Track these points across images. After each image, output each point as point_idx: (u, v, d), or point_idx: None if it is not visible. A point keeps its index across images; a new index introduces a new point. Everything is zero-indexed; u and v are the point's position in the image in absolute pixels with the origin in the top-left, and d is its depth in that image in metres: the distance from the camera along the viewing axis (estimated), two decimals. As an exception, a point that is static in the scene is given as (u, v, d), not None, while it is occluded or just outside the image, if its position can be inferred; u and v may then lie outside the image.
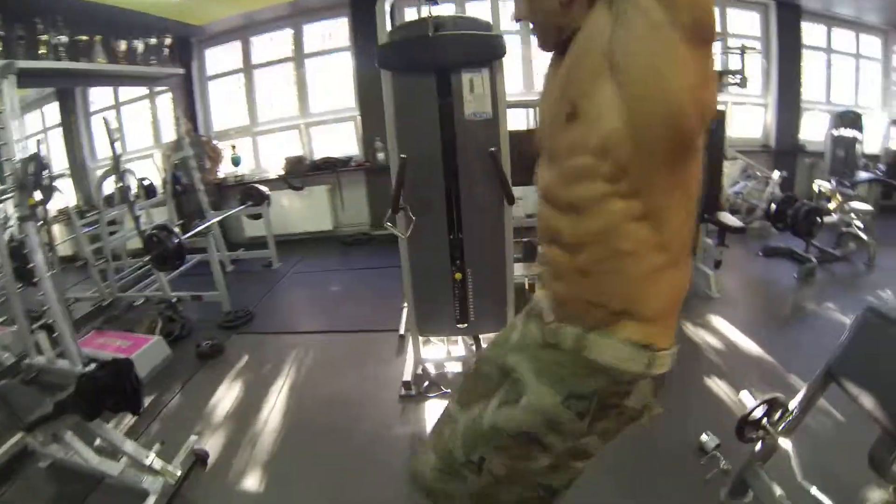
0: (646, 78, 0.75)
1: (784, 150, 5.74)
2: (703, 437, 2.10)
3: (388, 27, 2.33)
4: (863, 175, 4.79)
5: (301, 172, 5.67)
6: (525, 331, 1.09)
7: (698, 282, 3.78)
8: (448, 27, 2.19)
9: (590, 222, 0.86)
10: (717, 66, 4.20)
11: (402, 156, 2.32)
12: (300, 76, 5.87)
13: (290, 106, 5.99)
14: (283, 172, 5.69)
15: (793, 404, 1.57)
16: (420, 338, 2.79)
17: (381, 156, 5.52)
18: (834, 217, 4.49)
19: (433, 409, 2.58)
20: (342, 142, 5.96)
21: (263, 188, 5.03)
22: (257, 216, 5.13)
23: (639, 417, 0.96)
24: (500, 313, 2.63)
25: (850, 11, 5.76)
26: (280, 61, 5.88)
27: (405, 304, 3.21)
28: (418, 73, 2.28)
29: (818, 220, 3.94)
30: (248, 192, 5.02)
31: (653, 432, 1.30)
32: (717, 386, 2.61)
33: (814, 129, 5.70)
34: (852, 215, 4.43)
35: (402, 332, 3.35)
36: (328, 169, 5.78)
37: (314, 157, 5.98)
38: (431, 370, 2.91)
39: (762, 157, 5.61)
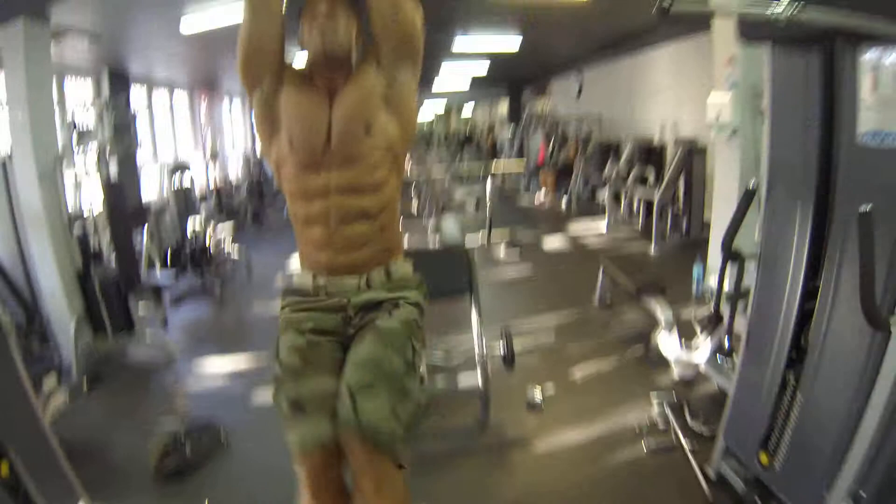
0: (410, 114, 1.35)
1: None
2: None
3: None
4: (203, 209, 5.92)
5: None
6: (371, 289, 1.36)
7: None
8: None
9: (384, 195, 1.31)
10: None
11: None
12: None
13: None
14: None
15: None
16: None
17: None
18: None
19: None
20: None
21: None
22: None
23: None
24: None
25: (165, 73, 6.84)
26: None
27: None
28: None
29: (208, 251, 4.96)
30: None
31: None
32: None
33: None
34: (222, 240, 5.38)
35: None
36: None
37: None
38: None
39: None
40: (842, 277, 1.49)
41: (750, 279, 1.88)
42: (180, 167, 5.94)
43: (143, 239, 4.72)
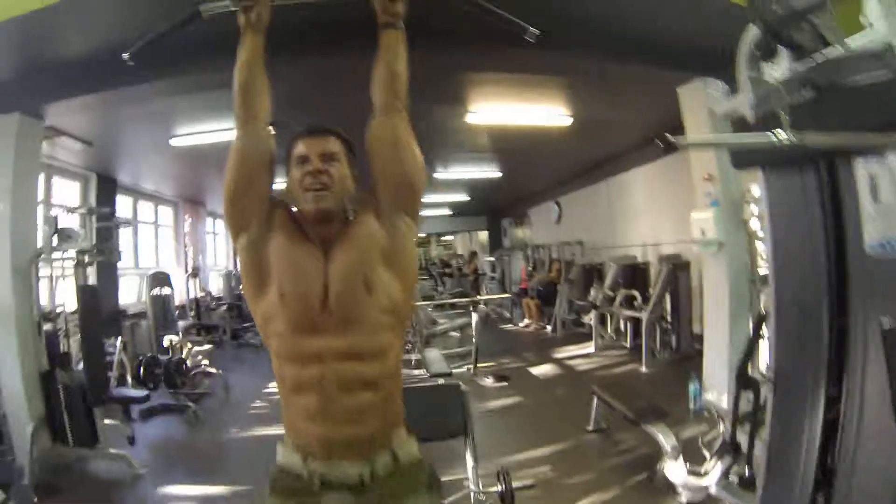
0: (410, 263, 1.23)
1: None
2: None
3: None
4: (181, 323, 6.10)
5: None
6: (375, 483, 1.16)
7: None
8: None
9: (388, 362, 1.16)
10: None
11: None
12: None
13: None
14: None
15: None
16: None
17: None
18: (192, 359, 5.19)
19: None
20: None
21: None
22: None
23: None
24: None
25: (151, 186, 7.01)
26: None
27: None
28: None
29: (184, 367, 4.75)
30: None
31: None
32: None
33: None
34: (199, 357, 5.27)
35: None
36: None
37: None
38: None
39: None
40: (866, 390, 1.44)
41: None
42: (161, 277, 5.87)
43: (116, 348, 4.50)
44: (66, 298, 3.79)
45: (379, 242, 1.16)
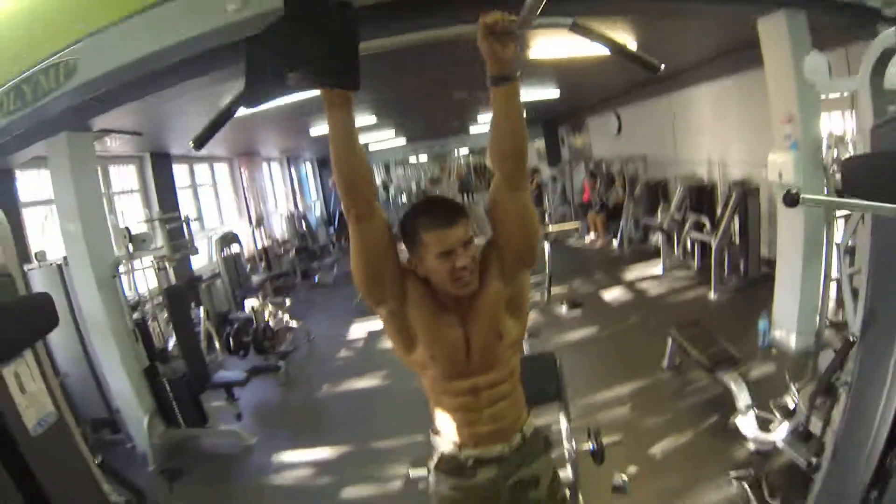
0: (526, 304, 1.42)
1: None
2: None
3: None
4: (254, 278, 6.32)
5: None
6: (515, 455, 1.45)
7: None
8: None
9: (515, 374, 1.41)
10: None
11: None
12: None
13: None
14: None
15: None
16: None
17: None
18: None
19: None
20: None
21: None
22: None
23: None
24: None
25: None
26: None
27: None
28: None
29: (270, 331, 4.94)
30: None
31: None
32: None
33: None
34: (279, 314, 5.33)
35: None
36: None
37: None
38: None
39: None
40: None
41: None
42: (229, 237, 6.05)
43: (200, 318, 4.74)
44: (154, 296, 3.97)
45: (504, 299, 1.32)
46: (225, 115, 1.18)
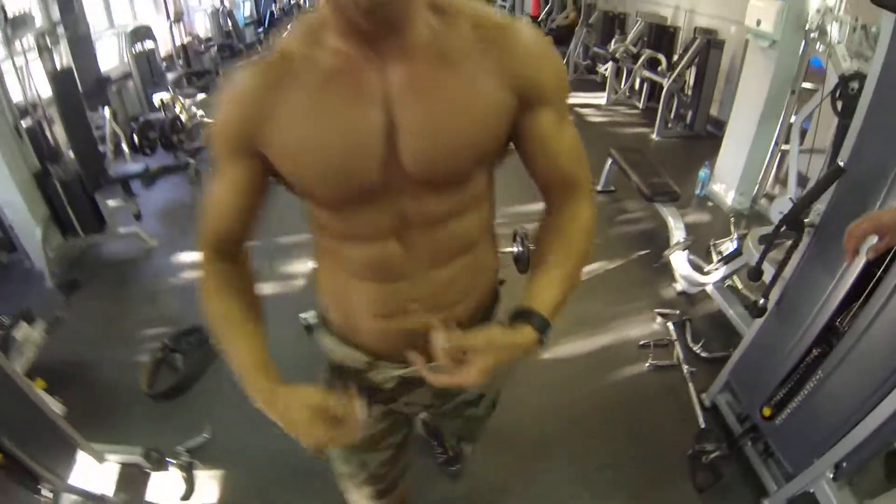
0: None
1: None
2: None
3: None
4: (170, 75, 5.67)
5: None
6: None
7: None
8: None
9: (482, 212, 0.88)
10: None
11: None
12: None
13: None
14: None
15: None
16: None
17: None
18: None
19: None
20: None
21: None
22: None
23: None
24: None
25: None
26: None
27: None
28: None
29: (180, 124, 4.65)
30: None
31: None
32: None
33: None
34: (193, 109, 5.06)
35: None
36: None
37: None
38: None
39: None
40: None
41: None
42: (141, 31, 5.33)
43: (105, 119, 4.33)
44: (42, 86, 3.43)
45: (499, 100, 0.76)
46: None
